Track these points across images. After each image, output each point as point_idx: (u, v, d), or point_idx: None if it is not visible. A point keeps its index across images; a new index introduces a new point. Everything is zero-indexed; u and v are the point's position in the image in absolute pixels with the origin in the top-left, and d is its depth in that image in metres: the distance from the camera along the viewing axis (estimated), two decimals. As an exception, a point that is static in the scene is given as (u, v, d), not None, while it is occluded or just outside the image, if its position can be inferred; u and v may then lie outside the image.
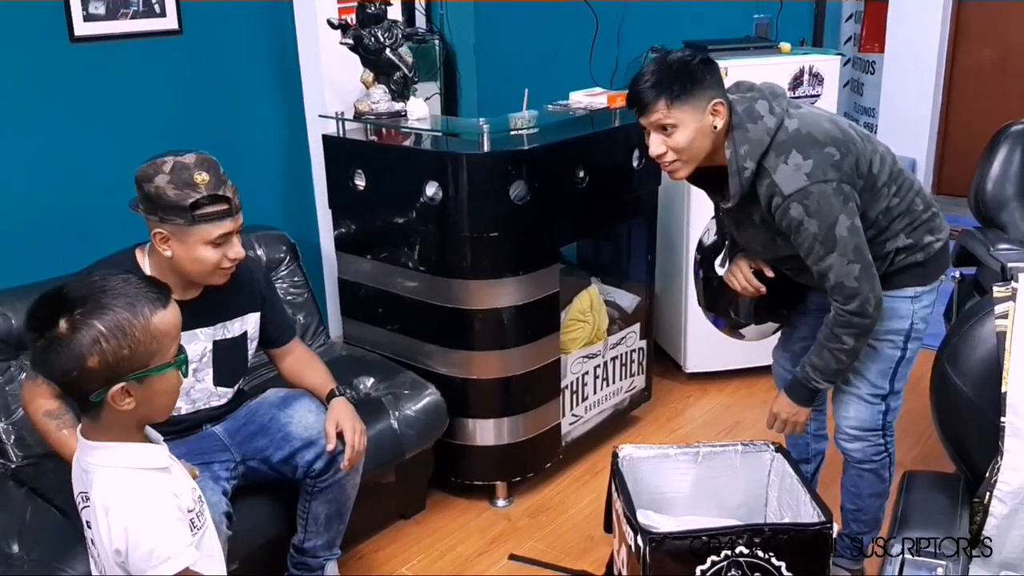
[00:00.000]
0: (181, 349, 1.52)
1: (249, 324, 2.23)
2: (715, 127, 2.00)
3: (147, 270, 2.04)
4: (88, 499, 1.52)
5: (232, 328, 2.19)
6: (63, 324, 1.39)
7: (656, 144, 2.03)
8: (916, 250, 2.12)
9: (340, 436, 2.20)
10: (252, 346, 2.26)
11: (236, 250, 2.03)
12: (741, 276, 2.26)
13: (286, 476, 2.22)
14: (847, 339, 2.04)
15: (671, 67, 1.97)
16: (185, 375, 1.55)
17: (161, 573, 1.47)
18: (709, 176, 2.12)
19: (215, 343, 2.16)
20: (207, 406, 2.20)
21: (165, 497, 1.51)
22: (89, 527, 1.55)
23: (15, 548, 2.04)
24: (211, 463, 2.11)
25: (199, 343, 2.13)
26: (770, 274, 2.24)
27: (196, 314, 2.08)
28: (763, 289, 2.25)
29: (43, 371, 1.54)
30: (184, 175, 1.93)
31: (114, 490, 1.49)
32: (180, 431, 2.14)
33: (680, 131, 1.99)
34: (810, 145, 1.97)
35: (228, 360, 2.20)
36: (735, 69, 3.34)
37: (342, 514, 2.34)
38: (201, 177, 1.94)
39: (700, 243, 2.29)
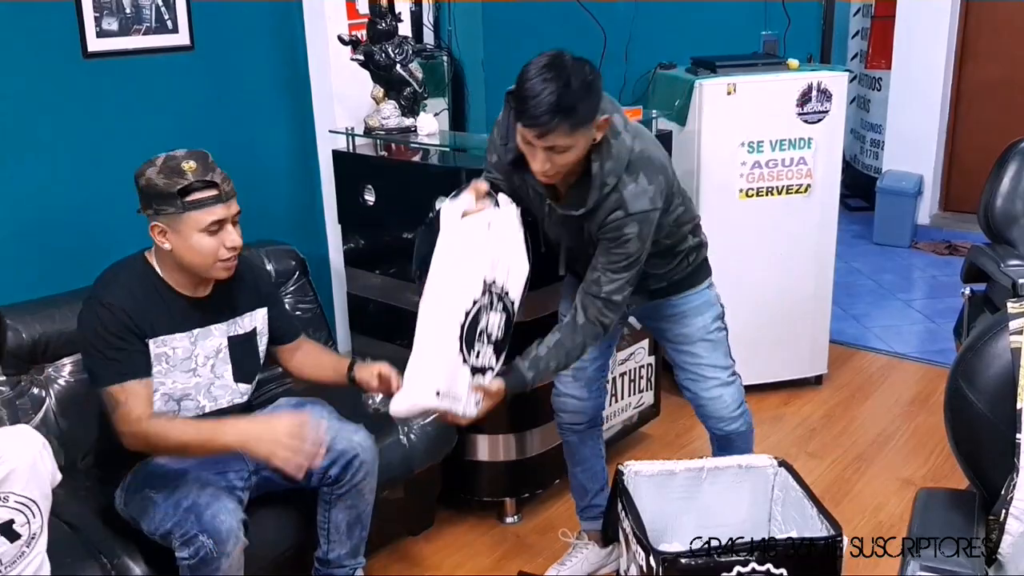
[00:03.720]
0: None
1: (258, 320, 2.25)
2: (594, 140, 1.97)
3: (155, 266, 2.08)
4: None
5: (243, 324, 2.22)
6: None
7: (542, 162, 1.95)
8: (702, 247, 2.32)
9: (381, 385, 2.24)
10: (263, 342, 2.28)
11: (233, 238, 2.05)
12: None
13: (301, 485, 2.21)
14: (590, 345, 2.16)
15: (572, 88, 1.85)
16: None
17: None
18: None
19: (230, 339, 2.19)
20: (230, 404, 2.21)
21: None
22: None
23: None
24: (226, 471, 2.11)
25: (214, 339, 2.15)
26: None
27: (209, 311, 2.13)
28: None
29: None
30: (171, 163, 1.99)
31: None
32: None
33: (572, 152, 1.94)
34: (655, 171, 2.05)
35: (243, 356, 2.22)
36: (743, 85, 3.36)
37: (363, 519, 2.33)
38: (189, 165, 1.98)
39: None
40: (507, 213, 2.13)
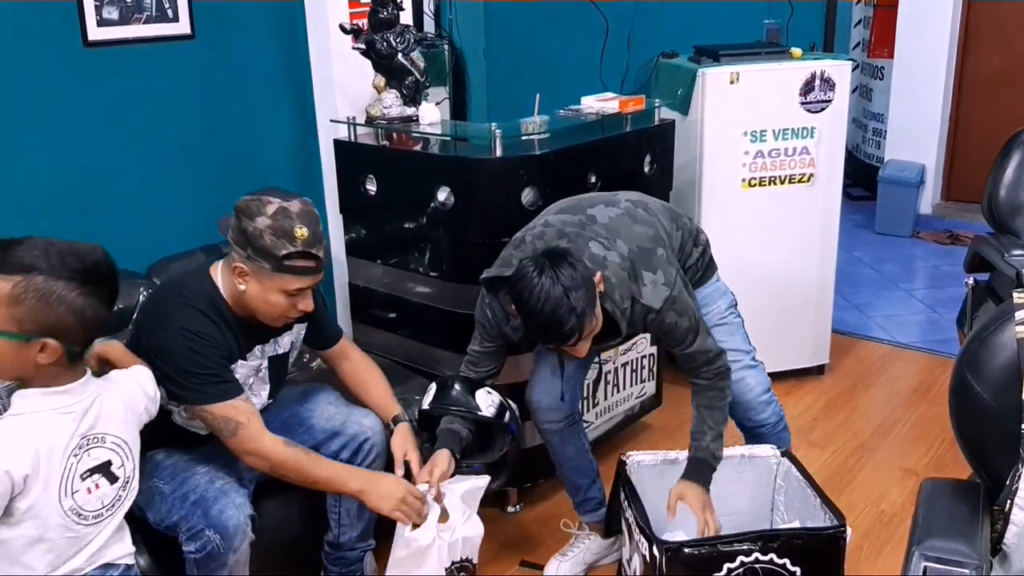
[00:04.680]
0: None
1: (295, 334, 2.25)
2: (601, 294, 2.04)
3: (220, 287, 2.05)
4: (99, 431, 1.70)
5: (282, 343, 2.21)
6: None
7: (582, 348, 2.05)
8: (705, 251, 2.41)
9: (407, 468, 2.21)
10: (293, 355, 2.29)
11: (307, 303, 2.04)
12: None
13: None
14: (726, 388, 2.23)
15: (572, 295, 1.92)
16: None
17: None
18: None
19: (270, 359, 2.18)
20: None
21: None
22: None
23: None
24: (235, 462, 2.10)
25: (256, 360, 2.15)
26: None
27: (252, 333, 2.10)
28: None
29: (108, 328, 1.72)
30: (285, 224, 1.92)
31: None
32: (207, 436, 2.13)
33: (598, 324, 2.03)
34: (648, 258, 2.13)
35: (279, 373, 2.24)
36: (746, 74, 3.34)
37: None
38: (301, 231, 1.93)
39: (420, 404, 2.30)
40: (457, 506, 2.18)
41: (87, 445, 1.68)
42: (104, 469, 1.71)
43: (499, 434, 2.30)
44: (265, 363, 2.17)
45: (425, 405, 2.27)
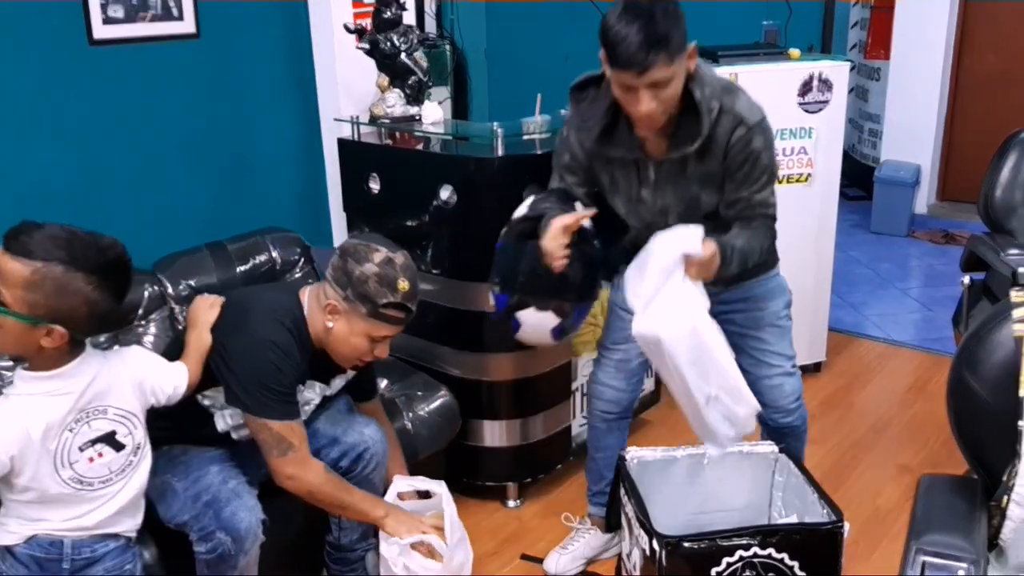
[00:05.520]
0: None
1: (346, 378, 2.27)
2: (689, 70, 1.94)
3: (307, 312, 2.07)
4: (99, 404, 1.76)
5: (335, 384, 2.24)
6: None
7: (648, 101, 1.90)
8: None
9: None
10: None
11: (384, 351, 2.10)
12: (556, 240, 2.07)
13: None
14: (772, 236, 2.16)
15: (658, 19, 1.82)
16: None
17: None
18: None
19: (324, 397, 2.22)
20: None
21: None
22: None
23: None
24: (248, 462, 2.11)
25: (314, 394, 2.17)
26: (587, 221, 2.11)
27: (319, 367, 2.13)
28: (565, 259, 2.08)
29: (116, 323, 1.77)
30: (390, 274, 1.98)
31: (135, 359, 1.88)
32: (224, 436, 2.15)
33: (674, 84, 1.90)
34: (736, 89, 2.05)
35: (321, 413, 2.27)
36: (745, 75, 3.36)
37: None
38: (404, 284, 1.99)
39: (510, 220, 2.22)
40: None
41: (86, 418, 1.75)
42: (108, 439, 1.78)
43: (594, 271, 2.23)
44: (318, 400, 2.19)
45: (523, 210, 2.19)
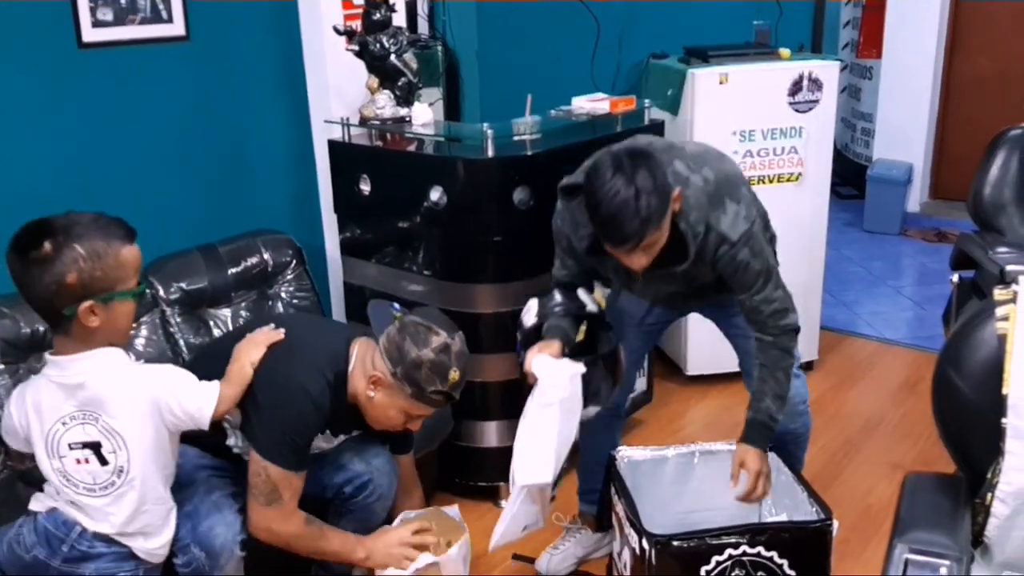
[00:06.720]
0: (140, 282, 1.81)
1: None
2: (674, 211, 1.97)
3: (351, 369, 2.06)
4: (94, 410, 1.77)
5: (341, 439, 2.23)
6: (47, 245, 1.67)
7: (639, 259, 1.97)
8: (773, 240, 2.30)
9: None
10: None
11: (417, 425, 2.11)
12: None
13: (315, 493, 2.20)
14: (792, 349, 2.18)
15: (643, 195, 1.85)
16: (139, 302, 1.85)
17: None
18: None
19: (345, 439, 2.22)
20: None
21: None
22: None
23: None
24: (238, 476, 2.07)
25: (326, 444, 2.17)
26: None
27: (349, 420, 2.14)
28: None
29: (24, 291, 1.73)
30: (444, 363, 1.99)
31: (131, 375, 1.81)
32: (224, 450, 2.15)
33: (662, 238, 1.95)
34: (733, 187, 2.07)
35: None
36: (735, 75, 3.38)
37: (370, 530, 2.29)
38: (454, 375, 2.01)
39: (521, 324, 2.29)
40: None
41: (80, 419, 1.78)
42: (94, 448, 1.79)
43: (603, 333, 2.30)
44: (326, 448, 2.18)
45: (532, 319, 2.24)
